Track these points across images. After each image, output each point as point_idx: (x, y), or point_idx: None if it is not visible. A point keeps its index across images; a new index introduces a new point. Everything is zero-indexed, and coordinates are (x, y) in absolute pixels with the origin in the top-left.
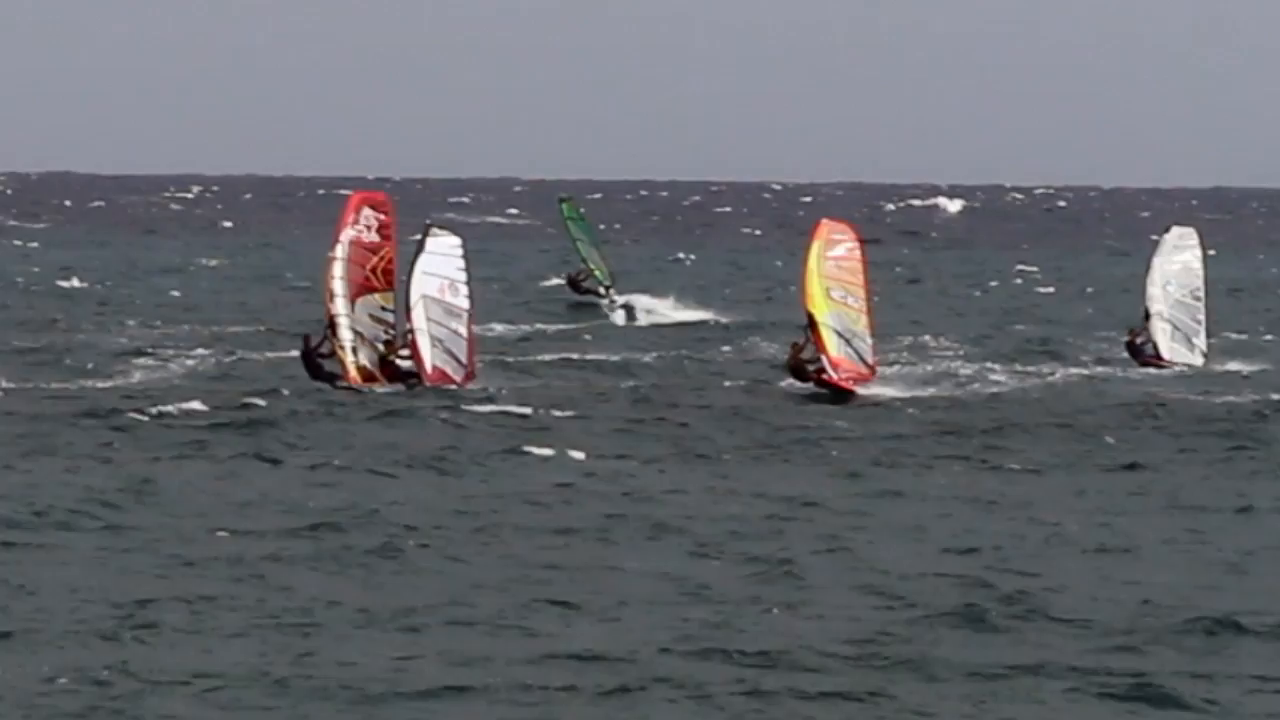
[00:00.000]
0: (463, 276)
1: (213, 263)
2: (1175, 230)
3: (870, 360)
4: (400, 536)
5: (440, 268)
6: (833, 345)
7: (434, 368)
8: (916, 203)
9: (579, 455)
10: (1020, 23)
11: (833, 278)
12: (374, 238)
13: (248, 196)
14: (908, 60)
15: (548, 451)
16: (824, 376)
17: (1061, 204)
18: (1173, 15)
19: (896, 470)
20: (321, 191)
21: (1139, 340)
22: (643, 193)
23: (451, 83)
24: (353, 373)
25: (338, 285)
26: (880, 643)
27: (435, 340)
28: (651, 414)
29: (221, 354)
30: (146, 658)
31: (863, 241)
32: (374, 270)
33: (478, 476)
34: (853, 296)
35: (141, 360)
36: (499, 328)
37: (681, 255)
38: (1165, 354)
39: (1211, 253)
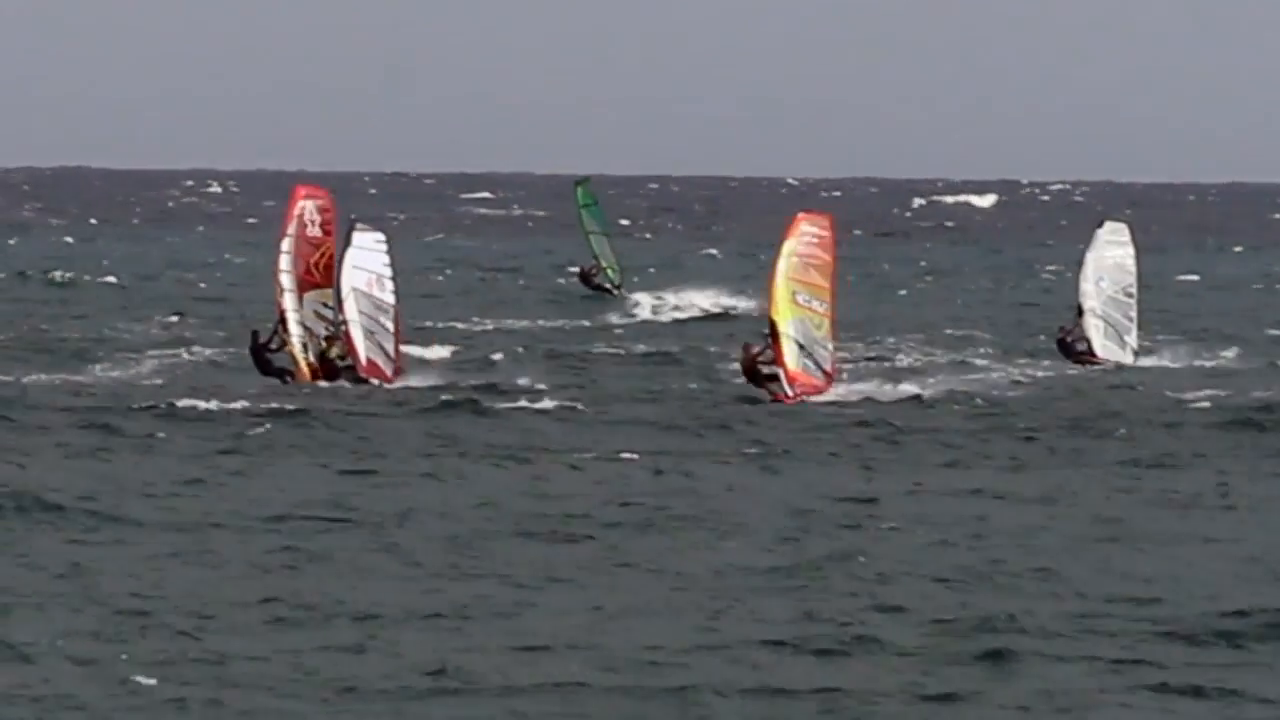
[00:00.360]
0: (388, 272)
1: (242, 259)
2: (1107, 225)
3: (828, 368)
4: (452, 532)
5: (367, 262)
6: (792, 358)
7: (368, 360)
8: (948, 199)
9: (626, 451)
10: (1031, 16)
11: (799, 280)
12: (317, 233)
13: (268, 196)
14: (918, 55)
15: (594, 446)
16: (774, 391)
17: (1079, 199)
18: (1182, 8)
19: (940, 466)
20: (334, 188)
21: (1070, 338)
22: (652, 186)
23: (462, 77)
24: (304, 368)
25: (286, 280)
26: (944, 641)
27: (367, 333)
28: (693, 409)
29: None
30: (206, 653)
31: (835, 239)
32: (315, 265)
33: (526, 471)
34: (818, 300)
35: (181, 354)
36: (524, 323)
37: (714, 251)
38: (1099, 351)
39: (1238, 250)
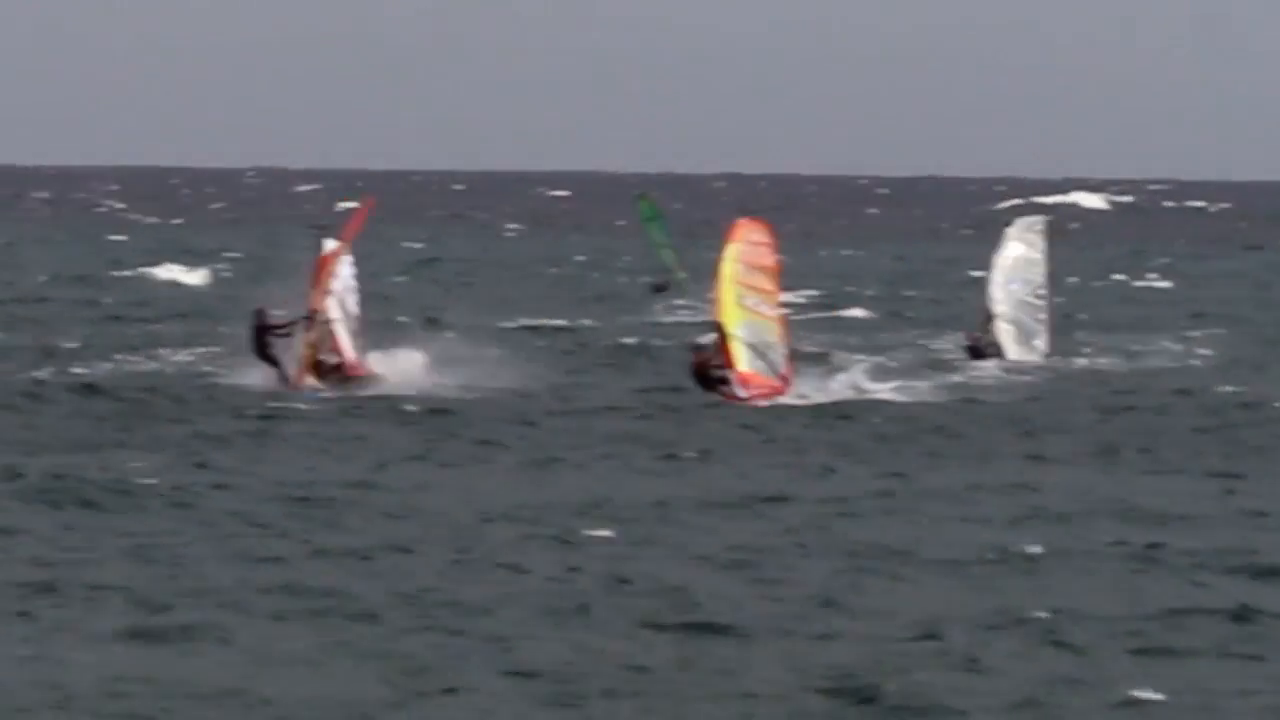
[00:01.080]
0: (354, 284)
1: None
2: (1020, 221)
3: (783, 370)
4: (626, 528)
5: (341, 271)
6: (743, 360)
7: (356, 358)
8: (1047, 199)
9: (733, 452)
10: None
11: (745, 284)
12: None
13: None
14: (939, 54)
15: (697, 449)
16: (725, 393)
17: (1142, 201)
18: (1180, 11)
19: (1009, 461)
20: (372, 184)
21: (980, 344)
22: (719, 185)
23: (493, 79)
24: (306, 367)
25: (336, 284)
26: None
27: (351, 334)
28: (781, 413)
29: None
30: (363, 645)
31: (774, 245)
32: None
33: (640, 473)
34: (766, 305)
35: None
36: (631, 319)
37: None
38: (1011, 356)
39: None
